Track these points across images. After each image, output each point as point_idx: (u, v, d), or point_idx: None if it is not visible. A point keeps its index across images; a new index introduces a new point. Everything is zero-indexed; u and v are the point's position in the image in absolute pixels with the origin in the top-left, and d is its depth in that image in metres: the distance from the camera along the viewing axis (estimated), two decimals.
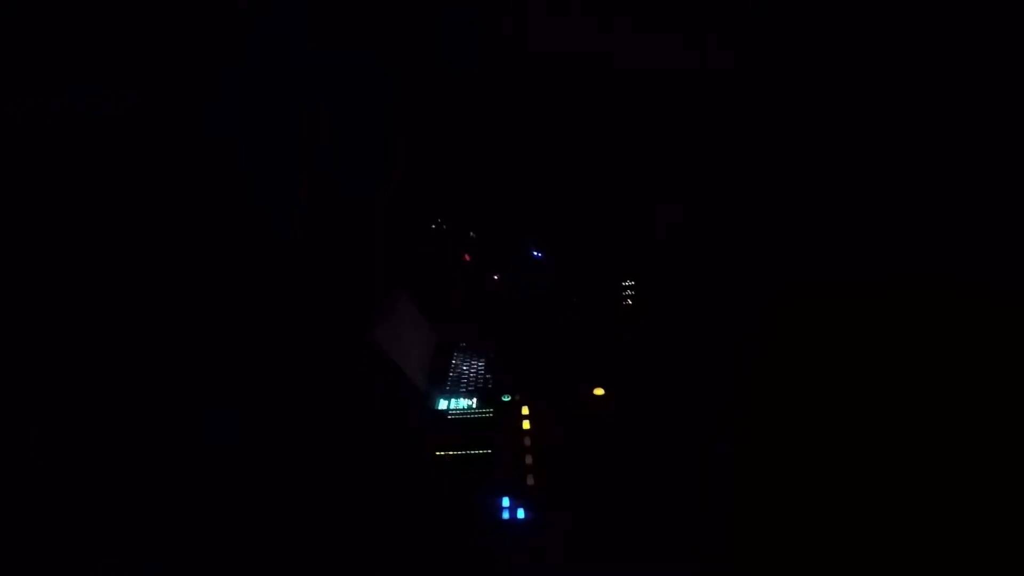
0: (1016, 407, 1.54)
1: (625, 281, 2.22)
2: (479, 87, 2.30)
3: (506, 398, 1.87)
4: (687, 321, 2.09)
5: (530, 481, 1.58)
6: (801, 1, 2.04)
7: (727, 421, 1.67)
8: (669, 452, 1.60)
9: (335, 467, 1.57)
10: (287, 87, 2.00)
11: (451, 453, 1.66)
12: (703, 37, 2.18)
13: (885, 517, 1.40)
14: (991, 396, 1.58)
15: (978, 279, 1.80)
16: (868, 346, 1.79)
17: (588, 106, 2.31)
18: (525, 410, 1.81)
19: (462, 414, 1.80)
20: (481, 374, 2.00)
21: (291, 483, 1.53)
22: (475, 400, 1.86)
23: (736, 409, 1.71)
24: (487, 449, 1.66)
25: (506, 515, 1.49)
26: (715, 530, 1.42)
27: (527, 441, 1.70)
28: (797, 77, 2.09)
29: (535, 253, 2.21)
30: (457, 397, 1.87)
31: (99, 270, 1.68)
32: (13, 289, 1.56)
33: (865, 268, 1.97)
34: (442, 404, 1.85)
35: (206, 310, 1.77)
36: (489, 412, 1.81)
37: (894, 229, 1.96)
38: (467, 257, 2.23)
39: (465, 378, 1.98)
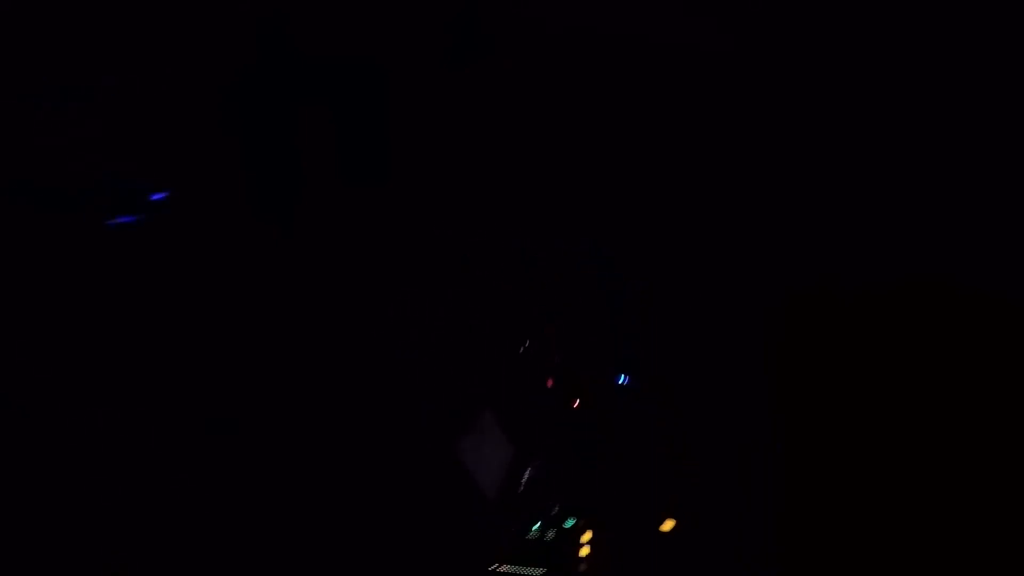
0: (1016, 407, 1.55)
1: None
2: (477, 87, 2.29)
3: (569, 523, 1.78)
4: (691, 321, 2.09)
5: None
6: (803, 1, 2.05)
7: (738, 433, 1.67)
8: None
9: (339, 467, 1.57)
10: (287, 87, 2.00)
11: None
12: (703, 37, 2.18)
13: (885, 516, 1.41)
14: (992, 396, 1.59)
15: (978, 279, 1.81)
16: (869, 346, 1.80)
17: (589, 107, 2.31)
18: (586, 536, 1.73)
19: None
20: (547, 495, 1.87)
21: (295, 484, 1.53)
22: (539, 524, 1.77)
23: (741, 412, 1.72)
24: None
25: None
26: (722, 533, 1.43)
27: (582, 567, 1.67)
28: (803, 80, 2.10)
29: (623, 379, 2.07)
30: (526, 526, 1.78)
31: (100, 270, 1.67)
32: (13, 290, 1.55)
33: (866, 268, 1.98)
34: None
35: (207, 311, 1.76)
36: (541, 572, 1.71)
37: (895, 229, 1.97)
38: (549, 382, 2.12)
39: (532, 497, 1.86)
